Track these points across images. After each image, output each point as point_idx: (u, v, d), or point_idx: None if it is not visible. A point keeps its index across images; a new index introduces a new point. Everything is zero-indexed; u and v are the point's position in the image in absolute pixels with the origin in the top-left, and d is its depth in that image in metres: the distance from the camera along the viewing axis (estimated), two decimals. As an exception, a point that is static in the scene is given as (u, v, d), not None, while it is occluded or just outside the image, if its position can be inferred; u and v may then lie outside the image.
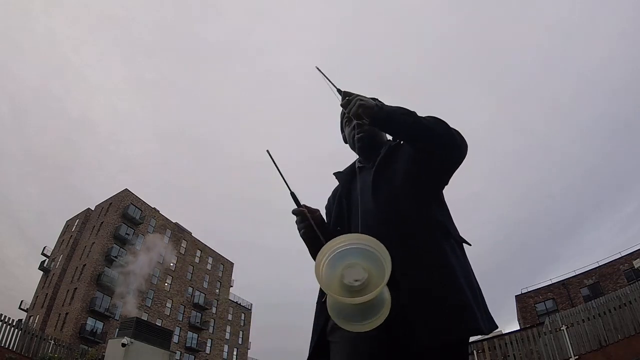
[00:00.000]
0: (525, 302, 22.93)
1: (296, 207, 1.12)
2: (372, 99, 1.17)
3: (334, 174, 1.39)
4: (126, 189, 38.76)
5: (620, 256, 20.87)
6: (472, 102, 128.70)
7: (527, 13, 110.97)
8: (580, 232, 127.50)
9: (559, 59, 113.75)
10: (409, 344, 0.93)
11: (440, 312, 0.93)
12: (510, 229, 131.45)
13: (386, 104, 1.15)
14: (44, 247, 39.70)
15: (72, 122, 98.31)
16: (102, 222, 36.41)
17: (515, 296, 23.91)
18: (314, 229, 1.06)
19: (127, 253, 34.98)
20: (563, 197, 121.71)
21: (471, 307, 0.95)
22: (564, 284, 22.13)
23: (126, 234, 36.33)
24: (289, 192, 1.08)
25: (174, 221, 43.01)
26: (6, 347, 10.15)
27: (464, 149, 1.11)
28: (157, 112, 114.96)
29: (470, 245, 1.17)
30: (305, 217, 1.11)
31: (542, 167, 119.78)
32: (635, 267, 18.71)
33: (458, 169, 1.15)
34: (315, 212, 1.16)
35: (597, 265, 21.60)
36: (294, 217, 1.16)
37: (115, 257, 34.18)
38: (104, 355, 10.79)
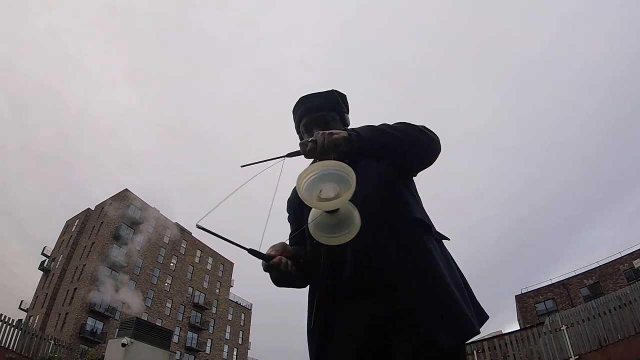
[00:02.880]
0: (525, 302, 22.93)
1: (264, 261, 0.99)
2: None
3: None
4: (126, 188, 38.81)
5: (620, 256, 20.88)
6: (477, 99, 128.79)
7: (531, 8, 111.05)
8: (583, 231, 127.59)
9: (563, 54, 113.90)
10: (412, 349, 0.92)
11: (442, 317, 0.91)
12: (512, 228, 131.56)
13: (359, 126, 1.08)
14: (44, 247, 39.74)
15: (72, 117, 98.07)
16: (102, 222, 36.41)
17: (515, 296, 23.93)
18: (291, 275, 1.01)
19: (127, 252, 35.02)
20: (565, 195, 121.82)
21: (464, 310, 0.94)
22: (564, 284, 22.13)
23: (126, 234, 36.34)
24: (247, 251, 0.95)
25: (174, 221, 43.03)
26: (6, 347, 10.15)
27: (440, 145, 1.12)
28: (157, 107, 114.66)
29: (449, 240, 1.13)
30: (280, 268, 0.99)
31: (544, 165, 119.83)
32: (635, 267, 18.71)
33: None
34: (283, 253, 1.02)
35: (597, 265, 21.61)
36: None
37: (115, 257, 34.20)
38: (104, 355, 10.79)
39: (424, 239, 1.03)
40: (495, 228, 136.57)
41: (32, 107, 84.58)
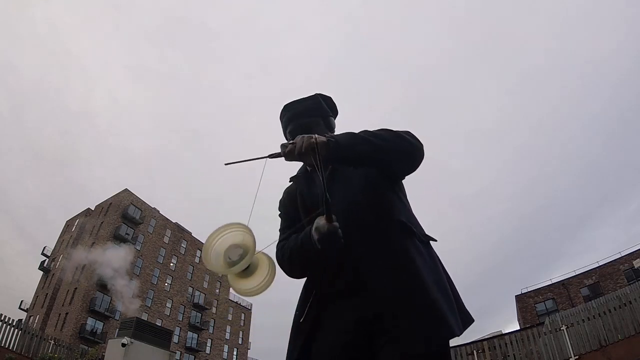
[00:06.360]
0: (525, 302, 22.94)
1: (328, 218, 0.94)
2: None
3: (291, 178, 1.33)
4: (126, 189, 38.78)
5: (620, 256, 20.89)
6: (480, 97, 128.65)
7: (536, 6, 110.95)
8: (585, 229, 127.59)
9: (566, 51, 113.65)
10: (391, 352, 0.92)
11: (418, 320, 0.91)
12: (512, 227, 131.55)
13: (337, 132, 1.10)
14: (44, 247, 39.74)
15: (71, 114, 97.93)
16: (102, 222, 36.42)
17: (515, 296, 23.94)
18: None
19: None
20: (567, 193, 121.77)
21: (444, 313, 0.93)
22: (564, 284, 22.14)
23: (126, 233, 36.33)
24: (325, 198, 0.93)
25: (174, 221, 43.02)
26: (6, 347, 10.14)
27: (423, 152, 1.13)
28: (158, 103, 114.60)
29: (435, 241, 1.14)
30: (340, 237, 0.96)
31: (546, 163, 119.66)
32: (635, 267, 18.73)
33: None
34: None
35: (597, 265, 21.63)
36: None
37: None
38: (104, 355, 10.80)
39: (405, 241, 1.04)
40: (495, 228, 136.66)
41: (32, 103, 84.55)
